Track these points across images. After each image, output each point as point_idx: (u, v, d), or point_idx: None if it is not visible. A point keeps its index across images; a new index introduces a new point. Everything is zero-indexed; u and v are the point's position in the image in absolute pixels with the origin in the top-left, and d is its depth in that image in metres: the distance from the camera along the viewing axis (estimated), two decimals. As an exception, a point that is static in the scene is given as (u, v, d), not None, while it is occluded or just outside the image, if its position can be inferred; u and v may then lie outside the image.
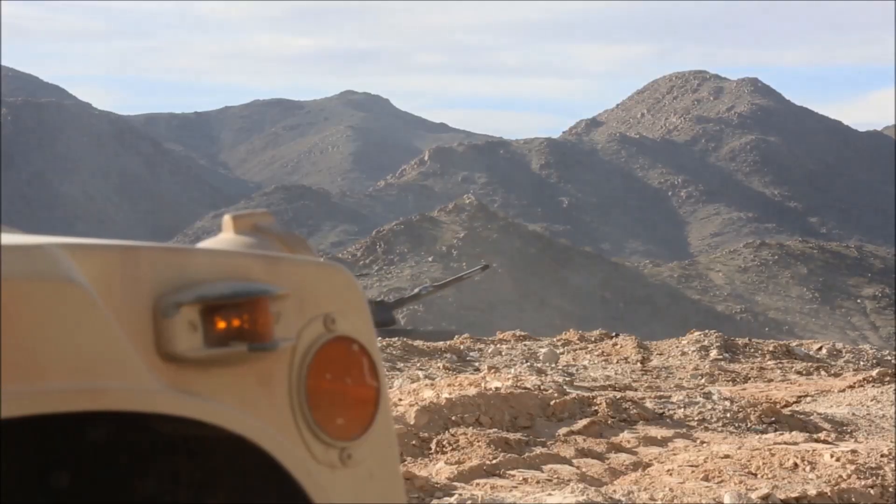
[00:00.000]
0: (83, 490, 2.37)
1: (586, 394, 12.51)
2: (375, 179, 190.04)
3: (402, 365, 17.67)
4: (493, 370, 14.50)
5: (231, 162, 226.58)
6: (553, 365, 18.07)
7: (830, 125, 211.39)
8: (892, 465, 9.34)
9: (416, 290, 53.47)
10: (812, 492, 8.68)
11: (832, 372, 18.21)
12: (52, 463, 2.36)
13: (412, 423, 10.45)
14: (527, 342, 21.37)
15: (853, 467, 9.21)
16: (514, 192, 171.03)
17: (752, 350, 20.01)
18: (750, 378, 17.44)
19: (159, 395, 2.12)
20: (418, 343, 20.43)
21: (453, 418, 10.70)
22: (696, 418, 11.94)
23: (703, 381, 16.82)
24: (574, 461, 9.92)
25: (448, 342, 21.31)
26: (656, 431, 11.21)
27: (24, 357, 1.98)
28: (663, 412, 11.97)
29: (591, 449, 10.38)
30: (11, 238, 2.15)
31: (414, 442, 10.16)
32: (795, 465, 9.39)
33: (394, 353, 18.62)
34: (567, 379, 15.72)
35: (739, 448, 10.01)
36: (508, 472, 9.37)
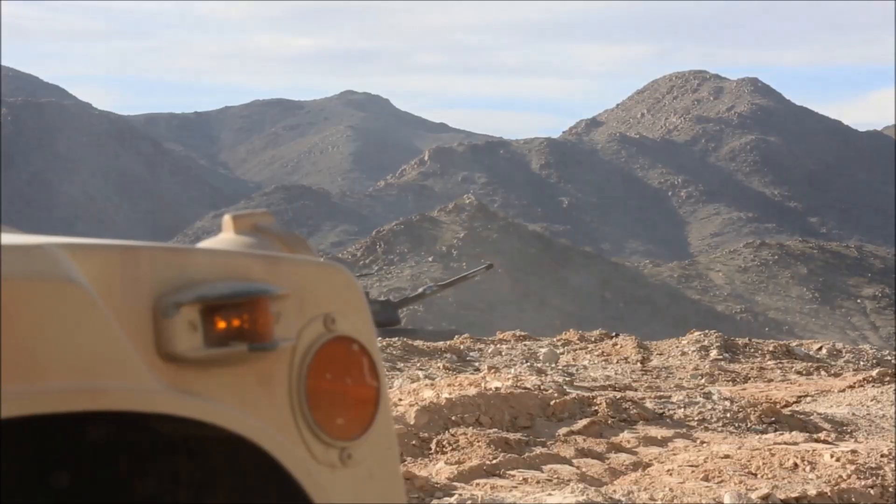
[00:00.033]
0: (83, 490, 2.37)
1: (586, 394, 12.51)
2: (375, 179, 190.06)
3: (402, 365, 17.68)
4: (493, 370, 14.50)
5: (231, 162, 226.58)
6: (553, 365, 18.08)
7: (830, 125, 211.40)
8: (892, 465, 9.34)
9: (421, 290, 53.47)
10: (812, 492, 8.68)
11: (832, 372, 18.21)
12: (52, 463, 2.36)
13: (412, 423, 10.45)
14: (527, 342, 21.37)
15: (853, 467, 9.21)
16: (514, 192, 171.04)
17: (752, 350, 20.01)
18: (750, 378, 17.45)
19: (159, 395, 2.12)
20: (418, 343, 20.43)
21: (453, 418, 10.70)
22: (696, 418, 11.94)
23: (703, 381, 16.82)
24: (574, 461, 9.92)
25: (448, 342, 21.31)
26: (656, 431, 11.21)
27: (24, 357, 1.98)
28: (663, 412, 11.97)
29: (591, 449, 10.38)
30: (11, 238, 2.15)
31: (414, 442, 10.16)
32: (795, 465, 9.39)
33: (394, 353, 18.62)
34: (567, 379, 15.72)
35: (739, 448, 10.01)
36: (508, 472, 9.37)
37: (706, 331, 21.35)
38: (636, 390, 15.13)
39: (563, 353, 19.77)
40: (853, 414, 13.36)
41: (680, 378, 17.09)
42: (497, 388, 11.53)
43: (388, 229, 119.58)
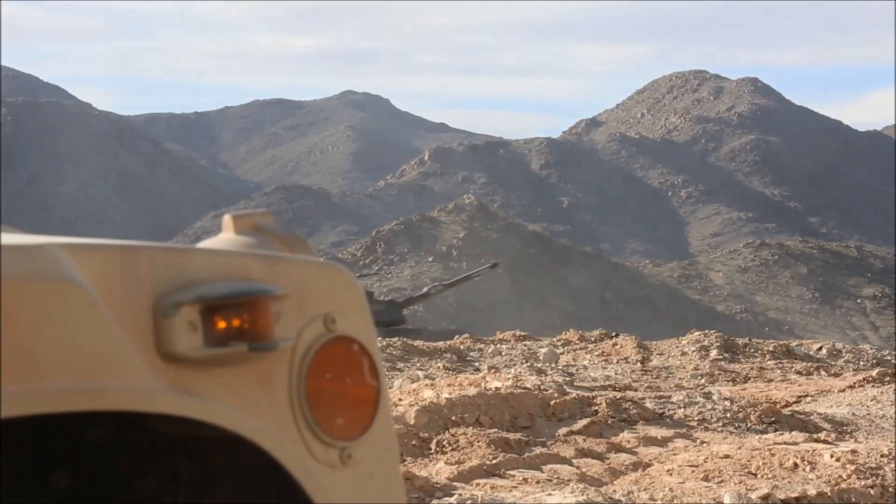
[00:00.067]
0: (83, 490, 2.37)
1: (586, 394, 12.51)
2: (375, 179, 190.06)
3: (402, 365, 17.68)
4: (493, 370, 14.50)
5: (231, 162, 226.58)
6: (553, 365, 18.08)
7: (830, 125, 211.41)
8: (892, 465, 9.34)
9: (426, 289, 53.46)
10: (812, 492, 8.68)
11: (832, 372, 18.21)
12: (52, 463, 2.36)
13: (412, 423, 10.45)
14: (527, 342, 21.37)
15: (853, 467, 9.21)
16: (514, 192, 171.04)
17: (752, 350, 20.01)
18: (750, 378, 17.45)
19: (159, 395, 2.12)
20: (418, 343, 20.43)
21: (453, 418, 10.70)
22: (696, 418, 11.94)
23: (703, 381, 16.82)
24: (574, 461, 9.92)
25: (448, 342, 21.32)
26: (656, 431, 11.21)
27: (24, 357, 1.98)
28: (663, 412, 11.97)
29: (591, 449, 10.38)
30: (11, 238, 2.15)
31: (414, 442, 10.16)
32: (795, 465, 9.39)
33: (394, 353, 18.62)
34: (567, 379, 15.72)
35: (739, 448, 10.01)
36: (508, 472, 9.37)
37: (706, 331, 21.35)
38: (636, 390, 15.13)
39: (563, 353, 19.77)
40: (853, 414, 13.36)
41: (680, 378, 17.09)
42: (497, 388, 11.53)
43: (388, 229, 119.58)
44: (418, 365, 17.73)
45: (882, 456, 9.59)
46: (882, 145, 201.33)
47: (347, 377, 2.38)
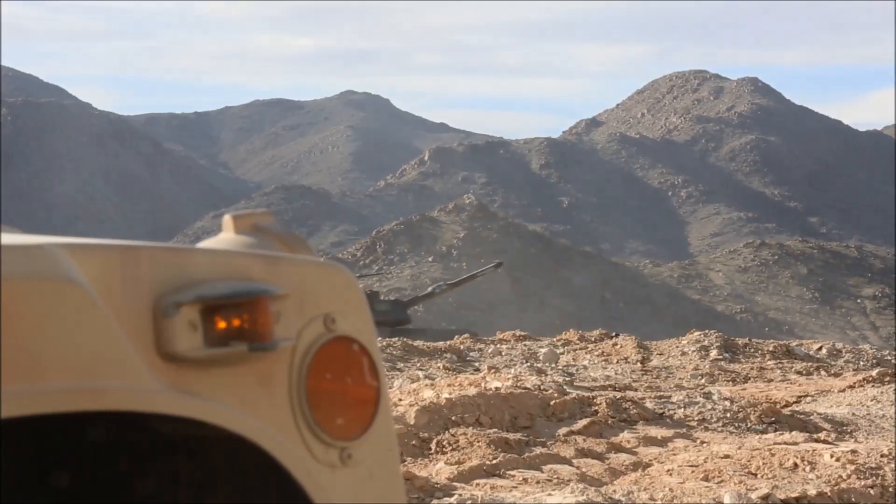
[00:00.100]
0: (83, 490, 2.37)
1: (586, 394, 12.51)
2: (375, 179, 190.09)
3: (402, 365, 17.68)
4: (493, 370, 14.50)
5: (231, 162, 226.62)
6: (553, 365, 18.08)
7: (830, 125, 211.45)
8: (892, 465, 9.34)
9: (431, 289, 53.51)
10: (812, 492, 8.68)
11: (832, 372, 18.22)
12: (52, 463, 2.36)
13: (412, 423, 10.45)
14: (527, 342, 21.38)
15: (853, 467, 9.21)
16: (514, 192, 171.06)
17: (752, 350, 20.02)
18: (750, 378, 17.45)
19: (159, 395, 2.12)
20: (418, 343, 20.45)
21: (453, 418, 10.70)
22: (696, 418, 11.94)
23: (703, 381, 16.82)
24: (574, 461, 9.92)
25: (448, 342, 21.33)
26: (656, 431, 11.21)
27: (24, 357, 1.98)
28: (663, 412, 11.97)
29: (591, 449, 10.38)
30: (11, 238, 2.15)
31: (414, 442, 10.16)
32: (795, 465, 9.39)
33: (394, 353, 18.62)
34: (567, 379, 15.72)
35: (739, 448, 10.01)
36: (508, 472, 9.37)
37: (706, 331, 21.36)
38: (636, 390, 15.13)
39: (563, 353, 19.78)
40: (853, 414, 13.36)
41: (680, 378, 17.09)
42: (497, 388, 11.53)
43: (388, 229, 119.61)
44: (418, 365, 17.73)
45: (882, 456, 9.59)
46: (882, 145, 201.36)
47: (347, 377, 2.38)
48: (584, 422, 11.11)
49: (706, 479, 9.11)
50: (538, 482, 9.13)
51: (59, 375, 2.02)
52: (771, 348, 20.20)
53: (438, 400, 10.95)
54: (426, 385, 12.23)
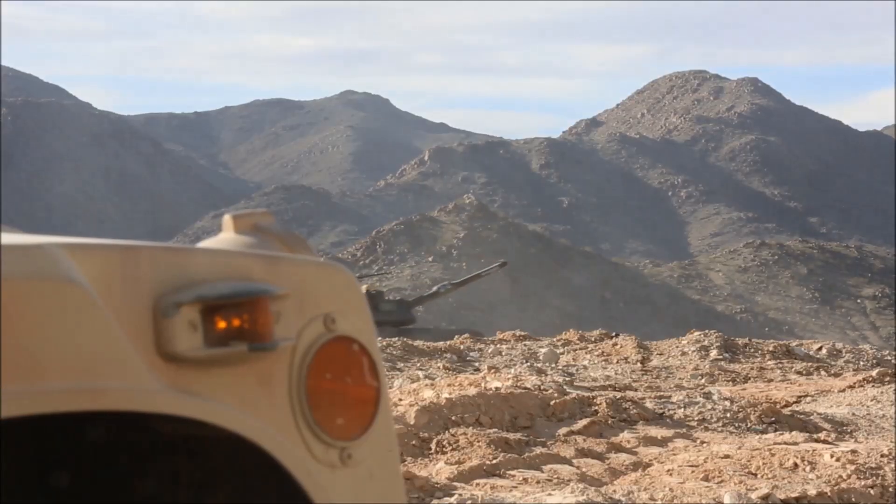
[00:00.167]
0: (83, 490, 2.37)
1: (586, 394, 12.51)
2: (375, 179, 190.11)
3: (402, 365, 17.68)
4: (493, 370, 14.50)
5: (231, 162, 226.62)
6: (553, 365, 18.08)
7: (830, 125, 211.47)
8: (892, 465, 9.34)
9: (435, 289, 53.55)
10: (812, 492, 8.68)
11: (832, 372, 18.21)
12: (52, 463, 2.36)
13: (412, 423, 10.45)
14: (527, 342, 21.38)
15: (853, 467, 9.21)
16: (514, 192, 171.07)
17: (752, 350, 20.02)
18: (750, 378, 17.45)
19: (159, 395, 2.12)
20: (418, 343, 20.45)
21: (453, 418, 10.70)
22: (696, 418, 11.94)
23: (703, 381, 16.82)
24: (574, 461, 9.92)
25: (448, 342, 21.33)
26: (656, 431, 11.21)
27: (24, 357, 1.98)
28: (663, 412, 11.97)
29: (591, 449, 10.38)
30: (11, 238, 2.15)
31: (414, 442, 10.16)
32: (795, 465, 9.39)
33: (394, 353, 18.62)
34: (567, 379, 15.72)
35: (739, 448, 10.01)
36: (508, 472, 9.37)
37: (706, 331, 21.36)
38: (636, 390, 15.13)
39: (563, 353, 19.78)
40: (853, 414, 13.36)
41: (680, 378, 17.09)
42: (497, 388, 11.53)
43: (388, 229, 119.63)
44: (418, 365, 17.73)
45: (882, 456, 9.59)
46: (882, 145, 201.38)
47: (347, 377, 2.38)
48: (584, 422, 11.11)
49: (706, 479, 9.11)
50: (538, 482, 9.13)
51: (59, 375, 2.01)
52: (771, 348, 20.20)
53: (438, 400, 10.95)
54: (426, 385, 12.23)
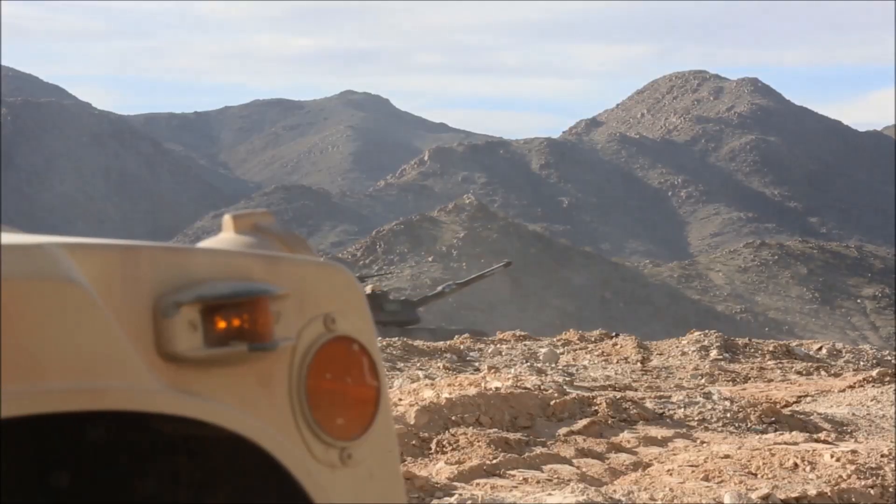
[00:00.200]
0: (83, 490, 2.37)
1: (586, 394, 12.51)
2: (375, 179, 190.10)
3: (402, 365, 17.68)
4: (493, 370, 14.50)
5: (231, 162, 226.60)
6: (553, 365, 18.08)
7: (830, 125, 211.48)
8: (892, 465, 9.34)
9: (440, 289, 53.53)
10: (812, 492, 8.68)
11: (832, 372, 18.21)
12: (52, 463, 2.36)
13: (412, 423, 10.45)
14: (527, 342, 21.38)
15: (853, 467, 9.21)
16: (514, 192, 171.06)
17: (752, 350, 20.02)
18: (750, 378, 17.45)
19: (159, 394, 2.12)
20: (418, 343, 20.45)
21: (453, 418, 10.70)
22: (696, 418, 11.94)
23: (703, 381, 16.82)
24: (574, 461, 9.92)
25: (448, 342, 21.33)
26: (656, 431, 11.21)
27: (24, 357, 1.98)
28: (663, 412, 11.97)
29: (591, 449, 10.38)
30: (11, 238, 2.15)
31: (414, 442, 10.16)
32: (795, 465, 9.39)
33: (394, 353, 18.62)
34: (567, 379, 15.72)
35: (739, 448, 10.01)
36: (508, 472, 9.37)
37: (706, 331, 21.35)
38: (636, 390, 15.13)
39: (563, 353, 19.77)
40: (853, 414, 13.36)
41: (680, 378, 17.09)
42: (497, 388, 11.53)
43: (388, 229, 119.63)
44: (418, 365, 17.73)
45: (882, 456, 9.59)
46: (882, 145, 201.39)
47: (347, 377, 2.38)
48: (584, 422, 11.11)
49: (706, 479, 9.11)
50: (538, 482, 9.13)
51: (59, 375, 2.01)
52: (771, 348, 20.20)
53: (438, 400, 10.95)
54: (426, 385, 12.23)
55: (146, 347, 2.15)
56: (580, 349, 20.29)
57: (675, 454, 10.23)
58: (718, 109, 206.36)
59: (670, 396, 12.97)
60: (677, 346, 20.13)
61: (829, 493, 8.69)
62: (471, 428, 10.46)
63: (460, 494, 8.57)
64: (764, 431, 11.59)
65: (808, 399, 14.90)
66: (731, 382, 16.86)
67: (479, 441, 10.06)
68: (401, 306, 48.52)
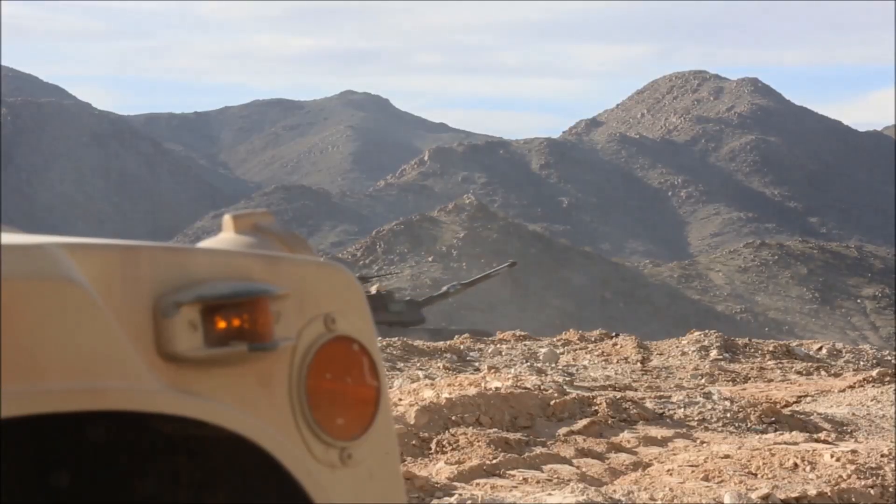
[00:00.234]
0: (83, 490, 2.37)
1: (586, 394, 12.51)
2: (375, 179, 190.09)
3: (402, 365, 17.68)
4: (493, 370, 14.50)
5: (231, 162, 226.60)
6: (553, 365, 18.08)
7: (830, 125, 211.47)
8: (892, 465, 9.34)
9: (445, 289, 53.55)
10: (812, 492, 8.68)
11: (832, 372, 18.21)
12: (52, 463, 2.36)
13: (412, 423, 10.45)
14: (527, 342, 21.38)
15: (853, 467, 9.21)
16: (514, 192, 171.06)
17: (752, 350, 20.02)
18: (750, 378, 17.45)
19: (159, 394, 2.12)
20: (418, 343, 20.47)
21: (453, 418, 10.70)
22: (696, 418, 11.94)
23: (703, 381, 16.82)
24: (574, 461, 9.92)
25: (448, 342, 21.34)
26: (656, 431, 11.21)
27: (24, 357, 1.98)
28: (663, 412, 11.97)
29: (591, 449, 10.38)
30: (11, 238, 2.15)
31: (414, 442, 10.16)
32: (795, 465, 9.39)
33: (394, 353, 18.63)
34: (567, 379, 15.72)
35: (739, 448, 10.01)
36: (508, 472, 9.37)
37: (706, 331, 21.35)
38: (636, 390, 15.13)
39: (563, 353, 19.78)
40: (853, 414, 13.36)
41: (680, 378, 17.09)
42: (497, 388, 11.53)
43: (388, 229, 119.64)
44: (418, 365, 17.73)
45: (882, 456, 9.59)
46: (882, 145, 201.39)
47: (347, 377, 2.38)
48: (584, 422, 11.11)
49: (706, 479, 9.11)
50: (538, 482, 9.13)
51: (59, 375, 2.01)
52: (771, 348, 20.20)
53: (438, 400, 10.95)
54: (426, 385, 12.23)
55: (146, 347, 2.15)
56: (580, 349, 20.29)
57: (675, 454, 10.23)
58: (718, 109, 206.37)
59: (670, 396, 12.97)
60: (677, 346, 20.14)
61: (829, 493, 8.69)
62: (471, 428, 10.46)
63: (460, 494, 8.57)
64: (764, 431, 11.59)
65: (808, 399, 14.90)
66: (731, 382, 16.86)
67: (479, 441, 10.06)
68: (406, 306, 48.58)
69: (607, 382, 16.05)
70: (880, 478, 9.09)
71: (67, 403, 2.02)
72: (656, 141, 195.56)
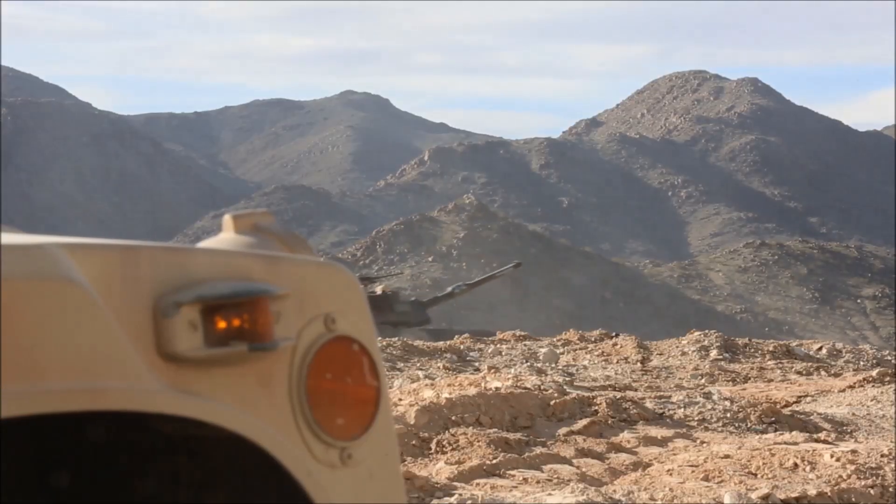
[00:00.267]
0: (83, 490, 2.37)
1: (586, 394, 12.51)
2: (375, 179, 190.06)
3: (402, 365, 17.68)
4: (493, 370, 14.50)
5: (231, 162, 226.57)
6: (553, 365, 18.08)
7: (830, 125, 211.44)
8: (892, 465, 9.34)
9: (450, 289, 53.54)
10: (812, 492, 8.68)
11: (832, 372, 18.22)
12: (52, 463, 2.36)
13: (412, 423, 10.45)
14: (527, 342, 21.38)
15: (853, 467, 9.21)
16: (514, 192, 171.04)
17: (752, 350, 20.02)
18: (750, 378, 17.45)
19: (159, 394, 2.12)
20: (418, 343, 20.48)
21: (453, 418, 10.70)
22: (696, 418, 11.94)
23: (703, 381, 16.83)
24: (574, 461, 9.92)
25: (448, 342, 21.34)
26: (656, 431, 11.21)
27: (24, 357, 1.98)
28: (663, 412, 11.97)
29: (591, 449, 10.38)
30: (11, 238, 2.15)
31: (414, 442, 10.16)
32: (795, 465, 9.39)
33: (394, 353, 18.63)
34: (567, 379, 15.72)
35: (739, 448, 10.02)
36: (508, 472, 9.37)
37: (706, 331, 21.35)
38: (636, 390, 15.14)
39: (563, 353, 19.78)
40: (853, 414, 13.36)
41: (680, 378, 17.09)
42: (497, 388, 11.53)
43: (388, 229, 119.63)
44: (418, 365, 17.73)
45: (882, 456, 9.59)
46: (882, 145, 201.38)
47: (347, 377, 2.38)
48: (584, 422, 11.11)
49: (706, 479, 9.11)
50: (538, 482, 9.13)
51: (59, 375, 2.01)
52: (771, 348, 20.20)
53: (438, 400, 10.95)
54: (426, 385, 12.23)
55: (146, 347, 2.15)
56: (580, 349, 20.29)
57: (675, 454, 10.23)
58: (718, 109, 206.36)
59: (670, 396, 12.97)
60: (677, 346, 20.14)
61: (829, 493, 8.69)
62: (471, 428, 10.46)
63: (460, 494, 8.57)
64: (764, 431, 11.59)
65: (808, 399, 14.91)
66: (731, 382, 16.86)
67: (479, 441, 10.06)
68: (411, 307, 48.58)
69: (607, 382, 16.05)
70: (880, 478, 9.09)
71: (67, 403, 2.02)
72: (656, 141, 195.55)
